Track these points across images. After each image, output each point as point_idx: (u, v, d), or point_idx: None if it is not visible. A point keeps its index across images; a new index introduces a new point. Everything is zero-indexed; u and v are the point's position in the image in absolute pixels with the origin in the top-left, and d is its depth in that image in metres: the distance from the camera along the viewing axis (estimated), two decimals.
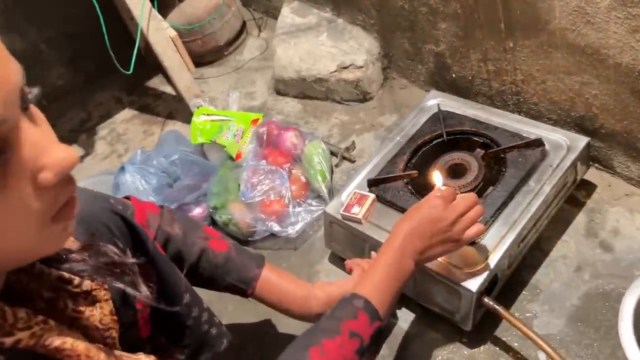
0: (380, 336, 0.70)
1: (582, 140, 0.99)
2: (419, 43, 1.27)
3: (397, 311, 1.00)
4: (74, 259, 0.54)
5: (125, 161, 1.29)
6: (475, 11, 1.06)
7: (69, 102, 1.79)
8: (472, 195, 0.81)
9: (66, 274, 0.52)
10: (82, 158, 1.58)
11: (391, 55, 1.41)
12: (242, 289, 0.86)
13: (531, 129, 1.03)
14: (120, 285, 0.56)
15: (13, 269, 0.46)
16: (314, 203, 1.20)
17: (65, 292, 0.52)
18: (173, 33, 1.45)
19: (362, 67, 1.40)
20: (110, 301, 0.58)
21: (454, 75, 1.24)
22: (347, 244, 1.06)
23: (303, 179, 1.22)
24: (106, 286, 0.58)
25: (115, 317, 0.58)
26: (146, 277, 0.72)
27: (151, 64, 1.65)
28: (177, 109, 1.62)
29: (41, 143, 0.37)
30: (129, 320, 0.70)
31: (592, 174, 1.06)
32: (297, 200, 1.19)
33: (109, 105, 1.74)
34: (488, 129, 1.06)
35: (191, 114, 1.41)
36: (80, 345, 0.47)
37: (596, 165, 1.07)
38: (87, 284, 0.54)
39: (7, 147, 0.35)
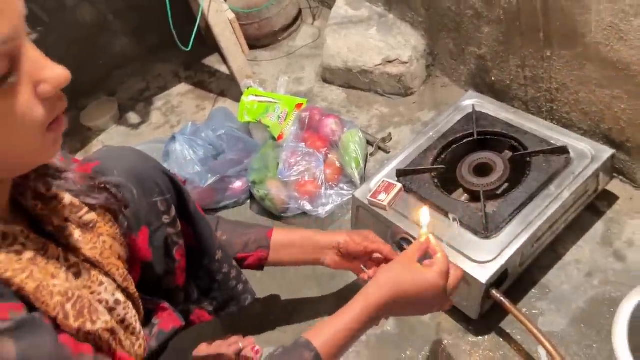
0: None
1: (607, 152, 1.03)
2: (463, 44, 1.32)
3: None
4: (85, 192, 0.63)
5: (176, 132, 1.40)
6: (517, 19, 1.10)
7: (130, 71, 1.91)
8: (461, 271, 0.82)
9: (77, 202, 0.61)
10: (137, 125, 1.70)
11: (436, 53, 1.46)
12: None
13: (559, 136, 1.08)
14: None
15: (31, 196, 0.55)
16: (345, 187, 1.28)
17: (73, 222, 0.61)
18: (232, 16, 1.54)
19: (406, 62, 1.45)
20: (115, 239, 0.67)
21: (493, 78, 1.28)
22: (372, 228, 1.13)
23: (338, 164, 1.30)
24: (111, 224, 0.66)
25: (119, 254, 0.67)
26: (186, 233, 0.82)
27: (209, 43, 1.75)
28: (229, 87, 1.71)
29: (41, 61, 0.46)
30: (169, 268, 0.80)
31: (616, 186, 1.09)
32: (330, 183, 1.27)
33: (167, 78, 1.85)
34: (518, 133, 1.10)
35: (241, 94, 1.50)
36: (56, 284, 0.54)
37: (620, 177, 1.10)
38: (93, 215, 0.63)
39: (16, 61, 0.44)
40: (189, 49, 1.44)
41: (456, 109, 1.22)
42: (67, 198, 0.60)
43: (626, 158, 1.06)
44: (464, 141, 1.15)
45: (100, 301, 0.61)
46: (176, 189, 0.79)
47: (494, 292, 0.94)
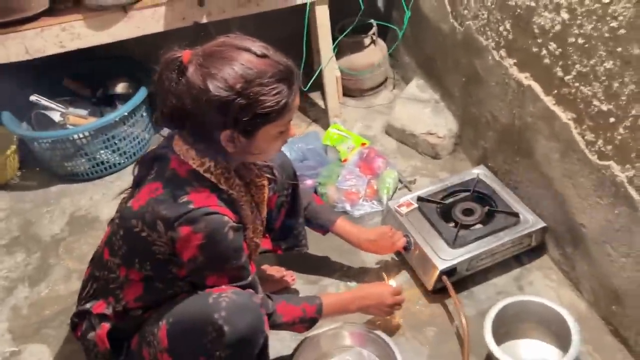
0: (313, 323, 1.36)
1: (541, 223, 1.69)
2: (477, 137, 2.00)
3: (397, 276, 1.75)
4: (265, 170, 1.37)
5: None
6: (506, 133, 1.78)
7: None
8: (404, 297, 1.53)
9: (258, 173, 1.36)
10: None
11: (461, 137, 2.15)
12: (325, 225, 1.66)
13: (519, 207, 1.74)
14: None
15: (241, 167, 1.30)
16: (375, 204, 1.97)
17: (254, 182, 1.35)
18: (338, 74, 2.29)
19: (441, 137, 2.15)
20: (267, 195, 1.41)
21: (489, 164, 1.95)
22: (391, 224, 1.80)
23: (375, 187, 2.00)
24: (268, 188, 1.40)
25: (267, 203, 1.41)
26: (289, 201, 1.56)
27: (317, 82, 2.48)
28: (321, 117, 2.44)
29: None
30: (275, 216, 1.54)
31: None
32: (367, 198, 1.97)
33: None
34: (496, 197, 1.78)
35: (329, 125, 2.24)
36: (247, 209, 1.28)
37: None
38: (265, 182, 1.37)
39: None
40: (305, 89, 2.19)
41: (467, 174, 1.91)
42: (254, 171, 1.34)
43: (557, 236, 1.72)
44: (463, 194, 1.84)
45: (257, 228, 1.35)
46: (295, 180, 1.53)
47: (444, 277, 1.61)
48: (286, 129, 1.18)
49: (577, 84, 1.37)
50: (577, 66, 1.35)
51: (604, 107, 1.30)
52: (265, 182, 1.38)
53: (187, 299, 1.19)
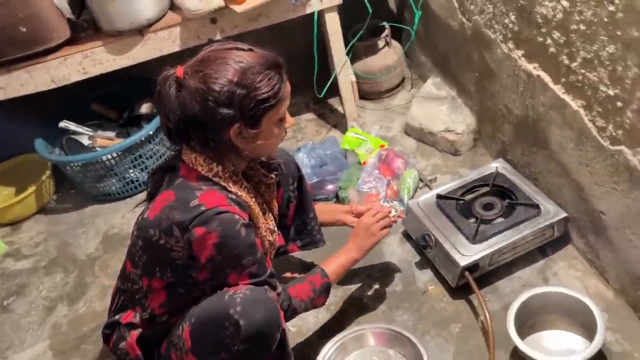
0: (327, 288, 1.41)
1: (563, 213, 1.67)
2: (495, 132, 2.00)
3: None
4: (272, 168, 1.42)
5: (300, 145, 2.17)
6: (523, 124, 1.77)
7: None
8: (386, 211, 1.57)
9: (265, 173, 1.40)
10: None
11: (480, 132, 2.14)
12: None
13: (539, 198, 1.73)
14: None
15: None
16: (396, 204, 1.98)
17: (262, 182, 1.39)
18: (353, 78, 2.32)
19: (459, 134, 2.14)
20: (276, 191, 1.45)
21: (509, 157, 1.94)
22: (412, 221, 1.83)
23: (396, 188, 2.01)
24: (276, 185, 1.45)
25: (275, 198, 1.45)
26: (298, 197, 1.59)
27: (334, 88, 2.51)
28: (340, 122, 2.47)
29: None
30: (284, 212, 1.57)
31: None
32: (387, 198, 1.99)
33: (300, 107, 2.61)
34: (516, 190, 1.78)
35: (346, 129, 2.26)
36: (256, 209, 1.33)
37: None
38: (273, 180, 1.41)
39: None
40: (321, 96, 2.22)
41: (486, 168, 1.91)
42: (261, 171, 1.39)
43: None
44: (483, 189, 1.84)
45: (269, 227, 1.40)
46: (299, 173, 1.57)
47: (466, 273, 1.61)
48: (284, 117, 1.28)
49: (583, 71, 1.36)
50: (582, 53, 1.34)
51: (611, 92, 1.28)
52: (273, 180, 1.44)
53: (207, 300, 1.25)
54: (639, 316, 1.49)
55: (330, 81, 2.27)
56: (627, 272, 1.48)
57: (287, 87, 1.26)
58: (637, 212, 1.34)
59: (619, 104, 1.27)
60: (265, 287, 1.25)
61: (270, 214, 1.45)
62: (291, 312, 1.35)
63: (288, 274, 1.79)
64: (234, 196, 1.26)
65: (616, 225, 1.45)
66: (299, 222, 1.65)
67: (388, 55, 2.49)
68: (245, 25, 2.06)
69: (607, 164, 1.39)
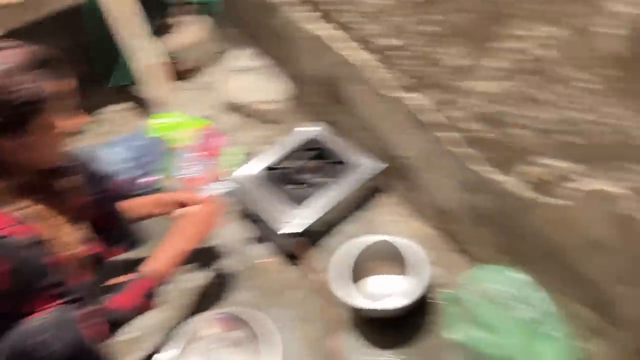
0: (157, 289, 1.32)
1: (380, 165, 1.73)
2: (310, 97, 2.01)
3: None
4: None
5: (109, 140, 2.02)
6: (331, 87, 1.80)
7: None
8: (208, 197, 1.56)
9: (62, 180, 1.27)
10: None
11: (298, 99, 2.15)
12: None
13: (360, 156, 1.77)
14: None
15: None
16: (219, 185, 1.91)
17: (62, 190, 1.26)
18: (157, 60, 2.18)
19: (277, 103, 2.14)
20: (81, 197, 1.32)
21: (326, 120, 1.97)
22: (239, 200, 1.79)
23: (219, 168, 1.96)
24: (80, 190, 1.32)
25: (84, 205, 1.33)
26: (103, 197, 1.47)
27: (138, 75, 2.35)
28: (150, 109, 2.32)
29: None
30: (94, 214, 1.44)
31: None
32: (210, 180, 1.92)
33: (101, 99, 2.35)
34: (337, 151, 1.81)
35: (157, 114, 2.14)
36: (57, 222, 1.21)
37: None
38: (72, 186, 1.29)
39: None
40: (110, 86, 2.08)
41: (305, 133, 1.92)
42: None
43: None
44: (306, 154, 1.85)
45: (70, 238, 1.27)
46: (102, 174, 1.45)
47: (297, 239, 1.62)
48: (66, 117, 1.15)
49: (355, 26, 1.41)
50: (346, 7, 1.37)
51: (390, 42, 1.33)
52: (73, 187, 1.32)
53: (12, 332, 1.12)
54: (457, 248, 1.61)
55: (124, 68, 2.12)
56: (437, 209, 1.58)
57: (62, 85, 1.14)
58: (428, 152, 1.43)
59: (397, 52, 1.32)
60: (71, 307, 1.15)
61: (80, 223, 1.32)
62: (115, 326, 1.26)
63: (113, 281, 1.67)
64: (16, 213, 1.13)
65: (420, 167, 1.54)
66: (115, 224, 1.53)
67: (197, 31, 2.40)
68: (14, 20, 1.82)
69: (399, 112, 1.47)
